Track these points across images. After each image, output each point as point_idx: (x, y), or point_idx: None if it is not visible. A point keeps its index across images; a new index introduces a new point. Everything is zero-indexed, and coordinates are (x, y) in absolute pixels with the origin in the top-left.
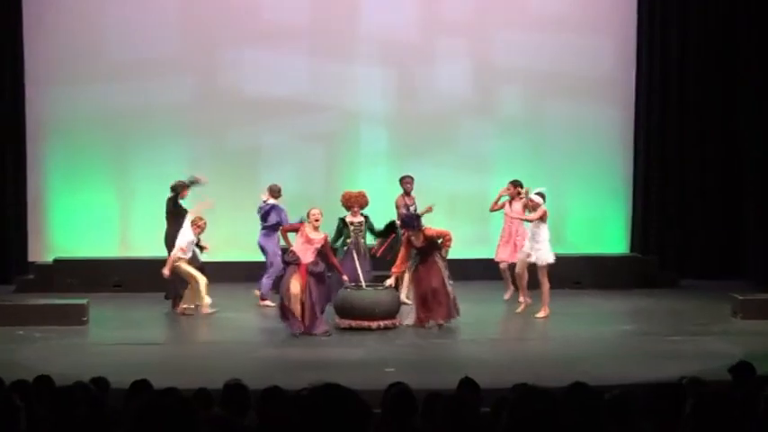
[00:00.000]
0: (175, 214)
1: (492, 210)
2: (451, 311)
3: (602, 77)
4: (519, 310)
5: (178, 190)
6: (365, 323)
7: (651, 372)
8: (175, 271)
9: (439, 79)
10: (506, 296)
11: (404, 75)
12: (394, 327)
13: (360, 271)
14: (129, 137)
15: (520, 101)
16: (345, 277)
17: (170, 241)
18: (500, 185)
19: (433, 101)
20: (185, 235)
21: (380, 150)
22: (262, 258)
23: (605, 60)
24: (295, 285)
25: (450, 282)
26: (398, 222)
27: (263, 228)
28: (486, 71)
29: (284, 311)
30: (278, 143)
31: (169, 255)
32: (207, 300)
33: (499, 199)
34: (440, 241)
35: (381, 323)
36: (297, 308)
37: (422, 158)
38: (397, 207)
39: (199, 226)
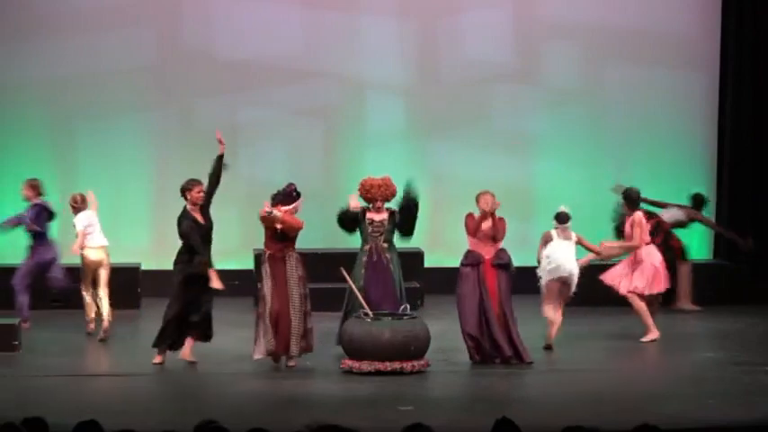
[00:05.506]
0: None
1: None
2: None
3: (678, 35)
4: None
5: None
6: (396, 365)
7: (742, 411)
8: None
9: (470, 36)
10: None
11: (425, 30)
12: (427, 368)
13: (372, 291)
14: (71, 110)
15: (573, 65)
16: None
17: None
18: (547, 172)
19: (462, 64)
20: None
21: (394, 128)
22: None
23: (683, 13)
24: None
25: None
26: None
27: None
28: (530, 26)
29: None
30: (262, 119)
31: None
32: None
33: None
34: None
35: (416, 364)
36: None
37: (446, 138)
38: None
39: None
